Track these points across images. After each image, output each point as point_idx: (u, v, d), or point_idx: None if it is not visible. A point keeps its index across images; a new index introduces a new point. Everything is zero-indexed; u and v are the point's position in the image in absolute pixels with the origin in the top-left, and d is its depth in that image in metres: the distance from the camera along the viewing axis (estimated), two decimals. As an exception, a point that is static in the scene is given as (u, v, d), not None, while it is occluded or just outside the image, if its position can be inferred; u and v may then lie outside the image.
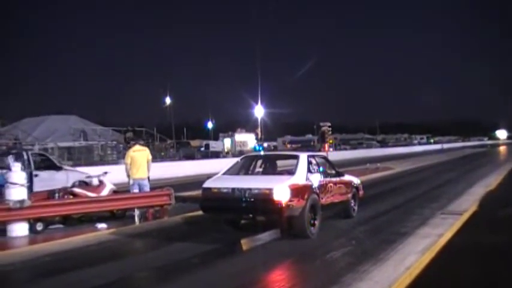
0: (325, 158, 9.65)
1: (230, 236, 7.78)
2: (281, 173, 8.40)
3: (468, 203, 11.00)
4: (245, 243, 7.08)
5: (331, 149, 26.89)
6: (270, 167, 8.90)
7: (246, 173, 8.55)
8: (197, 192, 12.46)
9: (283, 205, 6.94)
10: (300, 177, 7.57)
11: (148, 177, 9.94)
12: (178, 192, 11.31)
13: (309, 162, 8.05)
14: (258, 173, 8.76)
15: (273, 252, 6.82)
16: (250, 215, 7.61)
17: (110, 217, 9.55)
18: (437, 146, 76.60)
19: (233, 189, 7.40)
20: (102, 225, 8.72)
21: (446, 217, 9.16)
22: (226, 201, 7.44)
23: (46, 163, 12.29)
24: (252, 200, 7.18)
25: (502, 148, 64.84)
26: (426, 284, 5.17)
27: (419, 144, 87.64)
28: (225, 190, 7.52)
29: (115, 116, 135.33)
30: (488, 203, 11.02)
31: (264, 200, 7.08)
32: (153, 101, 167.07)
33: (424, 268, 5.58)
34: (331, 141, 27.66)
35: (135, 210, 9.20)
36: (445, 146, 78.19)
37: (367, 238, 7.63)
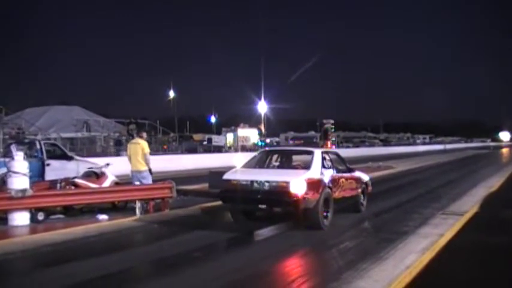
0: (337, 154, 9.86)
1: (230, 229, 7.91)
2: (297, 167, 8.66)
3: (469, 203, 10.96)
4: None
5: (333, 147, 26.86)
6: (286, 161, 9.22)
7: (264, 167, 8.95)
8: (198, 186, 12.56)
9: (299, 197, 7.29)
10: (315, 171, 7.89)
11: (150, 170, 9.92)
12: (180, 185, 11.31)
13: (323, 158, 8.39)
14: (274, 167, 9.12)
15: (273, 248, 6.84)
16: (267, 206, 7.89)
17: (111, 209, 9.56)
18: (440, 146, 76.37)
19: (252, 181, 7.75)
20: (103, 217, 8.73)
21: (447, 217, 9.13)
22: (245, 192, 7.74)
23: (57, 153, 12.61)
24: (270, 192, 7.53)
25: (505, 150, 64.61)
26: (425, 283, 5.16)
27: (423, 144, 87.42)
28: (244, 182, 7.85)
29: (118, 108, 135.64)
30: (490, 204, 10.99)
31: (281, 192, 7.43)
32: (157, 94, 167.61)
33: (423, 267, 5.57)
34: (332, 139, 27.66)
35: (136, 202, 9.21)
36: (448, 146, 77.95)
37: (368, 236, 7.64)
